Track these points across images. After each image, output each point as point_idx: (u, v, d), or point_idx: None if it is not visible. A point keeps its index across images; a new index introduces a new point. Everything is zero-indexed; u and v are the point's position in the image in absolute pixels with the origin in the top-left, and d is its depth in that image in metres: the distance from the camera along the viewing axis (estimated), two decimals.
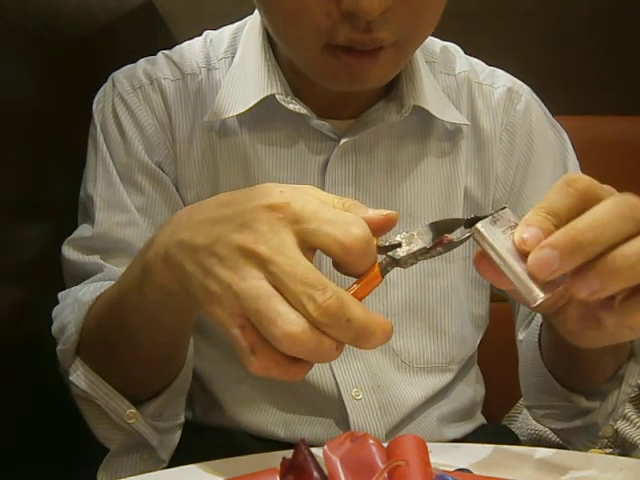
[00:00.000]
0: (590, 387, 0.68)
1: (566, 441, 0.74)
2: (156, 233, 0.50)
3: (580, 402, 0.67)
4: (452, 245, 0.43)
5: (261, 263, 0.41)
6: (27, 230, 0.71)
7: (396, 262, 0.43)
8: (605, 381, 0.67)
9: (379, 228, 0.43)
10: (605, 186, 0.44)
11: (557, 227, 0.41)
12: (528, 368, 0.74)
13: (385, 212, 0.43)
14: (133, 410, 0.59)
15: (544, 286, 0.41)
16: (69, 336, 0.60)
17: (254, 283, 0.41)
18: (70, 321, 0.61)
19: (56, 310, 0.66)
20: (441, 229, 0.44)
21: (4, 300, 0.66)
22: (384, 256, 0.43)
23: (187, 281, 0.45)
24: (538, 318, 0.73)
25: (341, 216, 0.41)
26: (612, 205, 0.41)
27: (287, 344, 0.39)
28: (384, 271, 0.43)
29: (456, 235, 0.43)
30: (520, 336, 0.78)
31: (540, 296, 0.41)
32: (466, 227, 0.44)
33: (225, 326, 0.42)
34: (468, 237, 0.43)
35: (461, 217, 0.45)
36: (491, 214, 0.43)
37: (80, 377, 0.59)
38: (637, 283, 0.41)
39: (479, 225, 0.43)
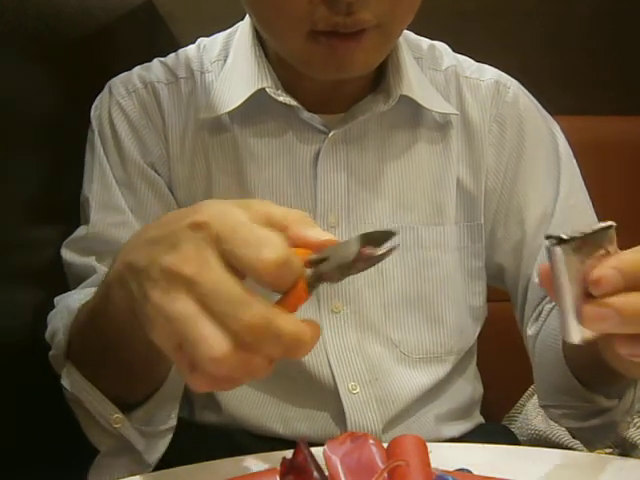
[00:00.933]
0: (611, 388, 0.67)
1: (583, 440, 0.74)
2: (118, 252, 0.50)
3: (601, 402, 0.67)
4: (373, 260, 0.41)
5: (187, 284, 0.39)
6: (29, 232, 0.71)
7: (321, 277, 0.40)
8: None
9: (314, 248, 0.41)
10: None
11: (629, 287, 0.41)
12: (546, 369, 0.74)
13: (324, 237, 0.41)
14: (119, 415, 0.59)
15: (585, 331, 0.41)
16: (58, 342, 0.61)
17: (180, 305, 0.39)
18: (59, 328, 0.62)
19: (50, 315, 0.67)
20: (372, 241, 0.41)
21: (12, 300, 0.66)
22: (312, 271, 0.41)
23: (134, 305, 0.44)
24: (551, 315, 0.73)
25: (257, 237, 0.39)
26: None
27: (212, 367, 0.38)
28: (311, 287, 0.40)
29: (381, 249, 0.41)
30: (529, 330, 0.77)
31: (574, 341, 0.41)
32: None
33: (164, 349, 0.41)
34: (391, 251, 0.41)
35: (392, 230, 0.42)
36: (583, 236, 0.41)
37: (70, 382, 0.59)
38: None
39: (558, 249, 0.41)
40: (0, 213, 0.65)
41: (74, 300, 0.64)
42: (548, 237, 0.41)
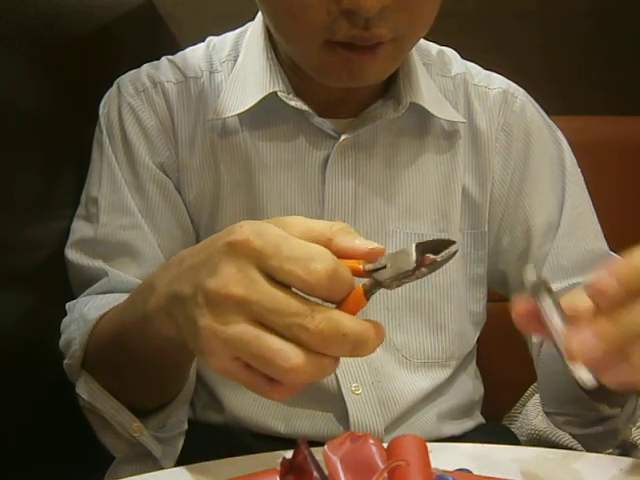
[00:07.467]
0: (614, 396, 0.67)
1: (586, 446, 0.74)
2: (154, 278, 0.50)
3: (604, 410, 0.67)
4: (436, 265, 0.42)
5: (238, 305, 0.40)
6: (32, 232, 0.71)
7: (380, 284, 0.42)
8: None
9: (363, 257, 0.42)
10: None
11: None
12: (551, 379, 0.74)
13: (372, 245, 0.42)
14: (138, 424, 0.60)
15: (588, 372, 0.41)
16: (74, 352, 0.61)
17: (238, 328, 0.40)
18: (75, 337, 0.62)
19: (64, 323, 0.67)
20: (428, 250, 0.42)
21: (14, 302, 0.66)
22: (370, 279, 0.42)
23: (184, 334, 0.45)
24: None
25: (304, 251, 0.40)
26: None
27: (292, 378, 0.40)
28: (368, 293, 0.42)
29: (441, 256, 0.42)
30: (535, 338, 0.77)
31: (587, 384, 0.41)
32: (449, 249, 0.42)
33: (227, 374, 0.42)
34: (452, 256, 0.42)
35: (449, 239, 0.43)
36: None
37: (86, 391, 0.60)
38: None
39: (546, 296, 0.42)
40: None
41: (89, 309, 0.65)
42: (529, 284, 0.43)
